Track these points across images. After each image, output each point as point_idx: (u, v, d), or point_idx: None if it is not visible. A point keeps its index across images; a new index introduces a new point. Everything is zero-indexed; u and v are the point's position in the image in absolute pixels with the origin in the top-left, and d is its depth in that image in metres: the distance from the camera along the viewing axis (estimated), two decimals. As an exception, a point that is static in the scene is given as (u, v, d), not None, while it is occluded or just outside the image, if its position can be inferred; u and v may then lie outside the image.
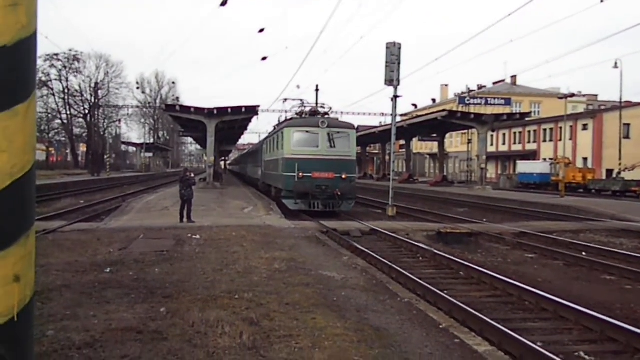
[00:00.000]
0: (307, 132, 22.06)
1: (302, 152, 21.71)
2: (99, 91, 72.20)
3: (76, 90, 76.93)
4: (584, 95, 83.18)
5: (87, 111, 77.47)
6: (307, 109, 25.76)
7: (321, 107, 25.74)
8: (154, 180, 61.32)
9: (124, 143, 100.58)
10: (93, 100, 73.34)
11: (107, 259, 10.48)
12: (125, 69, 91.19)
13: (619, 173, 48.18)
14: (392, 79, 21.89)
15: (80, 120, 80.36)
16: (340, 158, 21.81)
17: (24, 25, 2.39)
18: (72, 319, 6.41)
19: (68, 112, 78.03)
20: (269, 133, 32.93)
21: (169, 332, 5.96)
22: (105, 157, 66.94)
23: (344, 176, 21.39)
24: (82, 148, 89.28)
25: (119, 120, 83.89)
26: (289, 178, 21.43)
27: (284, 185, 22.09)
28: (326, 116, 24.07)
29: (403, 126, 46.94)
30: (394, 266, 11.26)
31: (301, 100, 27.02)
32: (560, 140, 58.17)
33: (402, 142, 61.36)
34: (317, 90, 23.83)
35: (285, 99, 30.02)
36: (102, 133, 78.81)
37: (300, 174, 21.08)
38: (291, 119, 25.42)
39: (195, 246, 12.25)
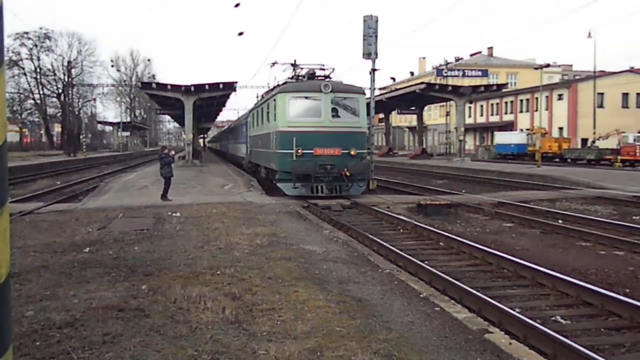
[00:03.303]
0: (306, 98, 18.25)
1: (301, 124, 17.99)
2: (73, 70, 70.50)
3: (48, 70, 75.26)
4: (559, 66, 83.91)
5: (60, 90, 75.80)
6: (304, 72, 21.06)
7: (321, 68, 20.70)
8: (132, 160, 60.78)
9: (100, 122, 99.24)
10: (66, 79, 71.60)
11: (86, 239, 10.39)
12: (99, 47, 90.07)
13: (593, 142, 48.96)
14: (370, 52, 21.75)
15: (54, 99, 78.72)
16: (347, 130, 18.17)
17: (-13, -2, 2.32)
18: (52, 299, 6.36)
19: (41, 92, 76.40)
20: (256, 103, 27.85)
21: (151, 309, 5.96)
22: (81, 137, 65.94)
23: (352, 152, 17.86)
24: (57, 128, 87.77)
25: (94, 100, 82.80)
26: (285, 156, 17.83)
27: (278, 166, 18.44)
28: (328, 79, 19.74)
29: (382, 100, 46.92)
30: (375, 238, 11.35)
31: (292, 64, 22.22)
32: (537, 110, 58.67)
33: (381, 115, 61.40)
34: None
35: (274, 63, 24.15)
36: (77, 113, 77.37)
37: (299, 151, 17.55)
38: (285, 83, 20.69)
39: (175, 224, 12.20)
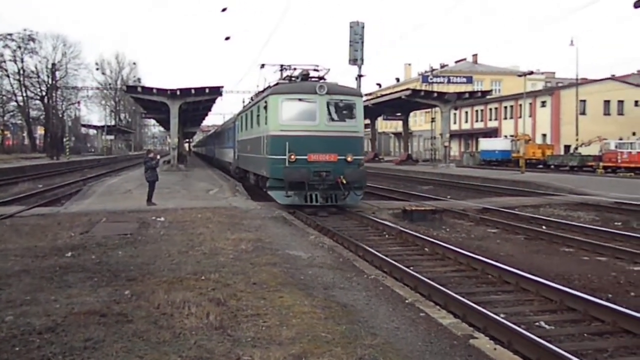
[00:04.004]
0: (300, 100, 16.92)
1: (295, 128, 16.69)
2: (57, 72, 69.92)
3: (32, 72, 74.49)
4: (542, 73, 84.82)
5: (44, 93, 75.06)
6: (297, 72, 19.54)
7: (315, 69, 19.15)
8: (116, 163, 60.34)
9: (83, 126, 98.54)
10: (50, 81, 71.02)
11: (68, 243, 10.27)
12: (84, 50, 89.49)
13: (576, 148, 49.50)
14: (356, 58, 21.88)
15: (37, 102, 77.91)
16: (344, 135, 16.92)
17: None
18: (32, 304, 6.27)
19: (24, 94, 75.55)
20: (245, 105, 26.79)
21: (134, 315, 5.90)
22: (65, 140, 65.35)
23: (349, 158, 16.61)
24: (40, 131, 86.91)
25: (78, 102, 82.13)
26: (277, 162, 16.53)
27: (269, 172, 17.10)
28: (323, 80, 18.21)
29: (368, 105, 46.92)
30: (361, 244, 11.35)
31: (282, 65, 20.65)
32: (520, 117, 59.22)
33: (367, 121, 61.55)
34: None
35: (263, 65, 22.27)
36: (60, 115, 76.62)
37: (292, 157, 16.26)
38: (277, 84, 19.34)
39: (159, 228, 12.10)
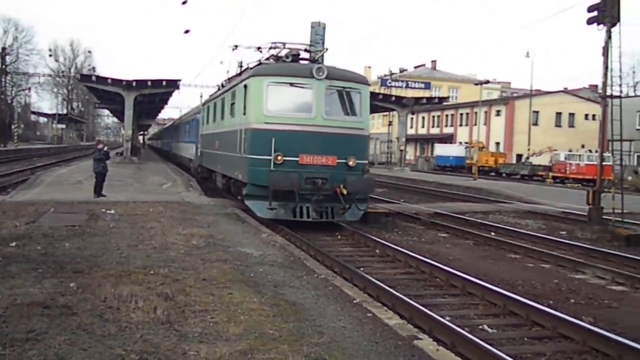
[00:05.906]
0: (291, 85, 13.46)
1: (283, 120, 13.30)
2: (7, 57, 67.69)
3: (-20, 55, 71.95)
4: (498, 83, 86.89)
5: (-8, 77, 72.65)
6: (284, 52, 15.51)
7: (306, 49, 15.84)
8: (66, 153, 58.80)
9: (33, 113, 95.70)
10: (0, 66, 68.82)
11: (12, 233, 9.97)
12: (37, 35, 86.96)
13: (527, 158, 50.94)
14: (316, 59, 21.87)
15: (-15, 86, 75.37)
16: (346, 132, 13.65)
17: None
18: (-27, 294, 6.09)
19: (-29, 78, 72.91)
20: (213, 94, 22.22)
21: (79, 307, 5.79)
22: (13, 126, 63.40)
23: (351, 162, 13.46)
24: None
25: (29, 89, 79.73)
26: (258, 164, 13.24)
27: (248, 176, 13.76)
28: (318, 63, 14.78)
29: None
30: (312, 244, 11.40)
31: (258, 47, 16.28)
32: (476, 124, 60.54)
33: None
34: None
35: (236, 46, 17.81)
36: (9, 101, 74.23)
37: (279, 158, 12.98)
38: (259, 63, 15.24)
39: (109, 221, 11.87)
